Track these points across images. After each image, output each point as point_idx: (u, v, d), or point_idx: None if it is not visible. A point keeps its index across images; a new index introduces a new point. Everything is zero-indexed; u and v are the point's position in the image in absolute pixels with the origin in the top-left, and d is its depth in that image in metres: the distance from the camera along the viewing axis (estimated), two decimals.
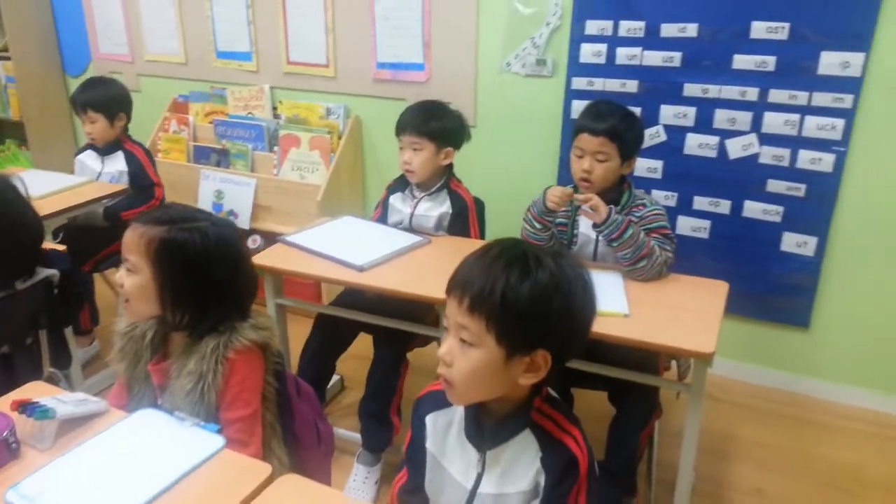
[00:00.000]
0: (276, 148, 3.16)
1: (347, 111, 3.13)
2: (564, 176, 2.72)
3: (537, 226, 1.98)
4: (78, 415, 1.37)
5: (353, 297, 2.19)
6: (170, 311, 1.39)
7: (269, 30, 3.22)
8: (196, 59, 3.48)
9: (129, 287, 1.38)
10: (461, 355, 1.06)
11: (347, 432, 2.26)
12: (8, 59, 3.73)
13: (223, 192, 3.15)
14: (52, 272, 1.95)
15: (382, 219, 2.36)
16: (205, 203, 3.18)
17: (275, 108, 3.29)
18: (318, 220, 2.89)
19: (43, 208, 1.95)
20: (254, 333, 1.42)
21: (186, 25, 3.44)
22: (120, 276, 1.41)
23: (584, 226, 1.99)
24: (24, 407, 1.32)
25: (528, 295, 1.01)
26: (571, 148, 1.97)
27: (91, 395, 1.42)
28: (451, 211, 2.22)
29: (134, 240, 1.38)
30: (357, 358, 2.29)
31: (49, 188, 2.59)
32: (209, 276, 1.39)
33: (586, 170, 1.91)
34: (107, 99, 2.76)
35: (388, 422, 2.12)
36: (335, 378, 2.57)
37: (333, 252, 2.06)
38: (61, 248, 2.18)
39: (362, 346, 2.25)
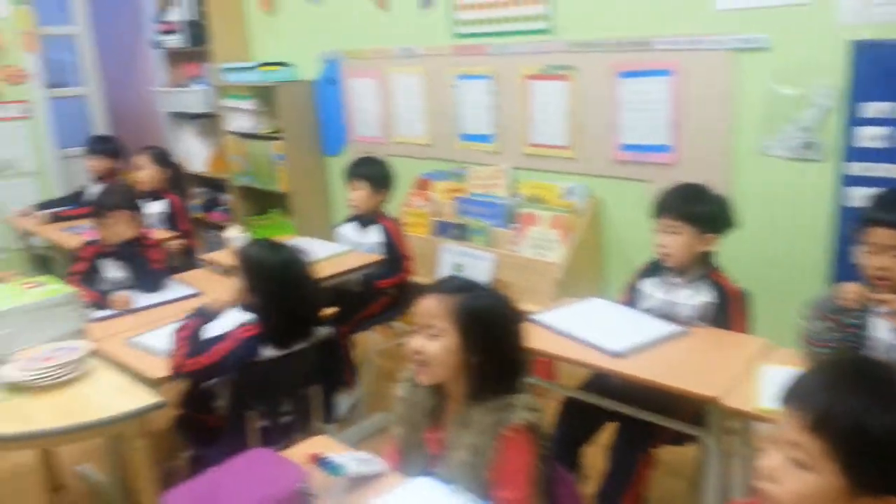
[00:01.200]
0: (514, 225, 3.27)
1: (588, 191, 3.17)
2: (841, 270, 2.48)
3: (825, 324, 1.80)
4: (364, 474, 1.46)
5: (599, 383, 2.14)
6: (464, 376, 1.45)
7: (511, 114, 3.40)
8: (440, 140, 3.76)
9: (433, 351, 1.44)
10: (791, 475, 0.94)
11: None
12: (280, 139, 4.31)
13: (462, 265, 3.31)
14: (329, 331, 2.16)
15: (631, 304, 2.31)
16: (444, 275, 3.35)
17: (513, 188, 3.43)
18: (555, 297, 2.94)
19: (318, 271, 2.16)
20: (527, 413, 1.43)
21: (433, 111, 3.75)
22: (416, 341, 1.48)
23: (884, 330, 1.77)
24: (320, 461, 1.44)
25: (892, 427, 0.89)
26: (859, 241, 1.79)
27: (375, 457, 1.52)
28: (712, 301, 2.11)
29: (436, 306, 1.45)
30: (601, 447, 2.22)
31: (317, 255, 2.88)
32: (502, 345, 1.45)
33: (883, 268, 1.73)
34: (374, 173, 3.07)
35: None
36: None
37: (586, 335, 2.04)
38: (332, 310, 2.42)
39: (607, 436, 2.18)
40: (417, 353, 1.46)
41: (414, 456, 1.55)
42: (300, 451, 1.56)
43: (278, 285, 1.98)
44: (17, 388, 1.90)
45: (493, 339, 1.43)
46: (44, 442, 2.10)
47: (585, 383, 2.24)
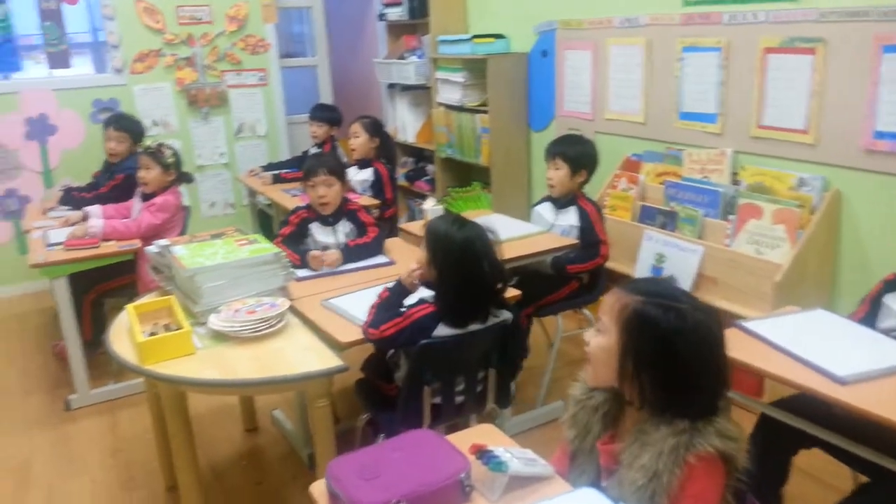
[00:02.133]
0: (731, 217, 2.95)
1: (826, 184, 2.75)
2: None
3: None
4: (526, 475, 1.38)
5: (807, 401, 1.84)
6: (627, 384, 1.32)
7: (741, 91, 3.04)
8: (656, 118, 3.49)
9: (593, 347, 1.37)
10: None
11: None
12: (485, 112, 4.29)
13: (665, 256, 3.06)
14: (508, 316, 2.09)
15: (867, 321, 1.96)
16: (644, 265, 3.14)
17: (734, 174, 3.09)
18: (773, 304, 2.60)
19: (503, 253, 2.10)
20: (719, 441, 1.25)
21: (651, 86, 3.48)
22: (588, 335, 1.39)
23: None
24: (483, 454, 1.39)
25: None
26: None
27: (539, 457, 1.43)
28: None
29: (610, 302, 1.36)
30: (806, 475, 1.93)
31: (509, 234, 2.83)
32: (676, 360, 1.28)
33: None
34: (577, 154, 2.93)
35: None
36: None
37: (804, 352, 1.76)
38: (516, 293, 2.35)
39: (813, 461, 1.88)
40: (586, 347, 1.37)
41: (583, 464, 1.44)
42: (467, 437, 1.52)
43: (457, 263, 1.95)
44: (220, 336, 2.09)
45: (669, 356, 1.27)
46: (239, 390, 2.30)
47: (790, 399, 1.95)
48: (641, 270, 3.14)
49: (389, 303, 2.07)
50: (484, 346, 2.08)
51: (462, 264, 1.95)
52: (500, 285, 2.07)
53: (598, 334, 1.37)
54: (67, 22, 4.53)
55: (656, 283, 1.43)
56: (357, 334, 2.09)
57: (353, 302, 2.29)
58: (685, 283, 2.93)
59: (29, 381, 3.44)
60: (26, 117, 4.46)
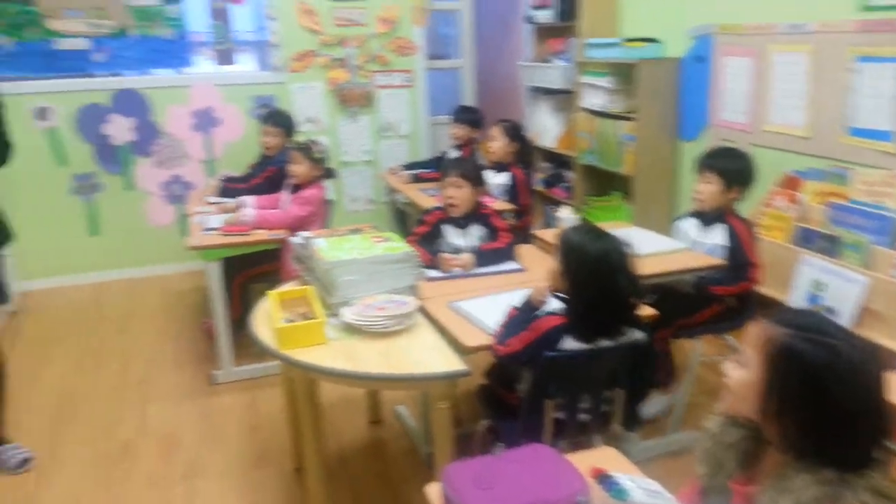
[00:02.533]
0: None
1: None
2: None
3: None
4: None
5: None
6: (770, 424, 1.21)
7: None
8: (821, 133, 3.22)
9: (734, 381, 1.26)
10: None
11: None
12: (631, 119, 4.15)
13: (824, 285, 2.81)
14: (641, 336, 2.00)
15: None
16: (799, 293, 2.90)
17: None
18: None
19: (640, 268, 2.01)
20: (871, 499, 1.12)
21: (818, 97, 3.21)
22: (729, 367, 1.30)
23: None
24: (604, 479, 1.34)
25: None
26: None
27: (665, 490, 1.35)
28: None
29: (755, 333, 1.25)
30: None
31: (648, 248, 2.72)
32: (826, 402, 1.15)
33: None
34: (731, 167, 2.76)
35: None
36: None
37: None
38: (651, 311, 2.25)
39: None
40: (726, 379, 1.27)
41: (713, 503, 1.34)
42: (588, 458, 1.47)
43: (591, 275, 1.90)
44: (351, 329, 2.16)
45: (817, 396, 1.14)
46: (365, 383, 2.37)
47: None
48: (796, 299, 2.91)
49: (517, 321, 2.05)
50: (612, 364, 2.01)
51: (596, 277, 1.89)
52: (633, 302, 1.99)
53: (740, 367, 1.27)
54: (235, 21, 4.90)
55: (809, 315, 1.30)
56: (482, 339, 2.09)
57: (481, 306, 2.29)
58: (845, 317, 2.68)
59: (181, 353, 3.75)
60: (194, 110, 4.87)
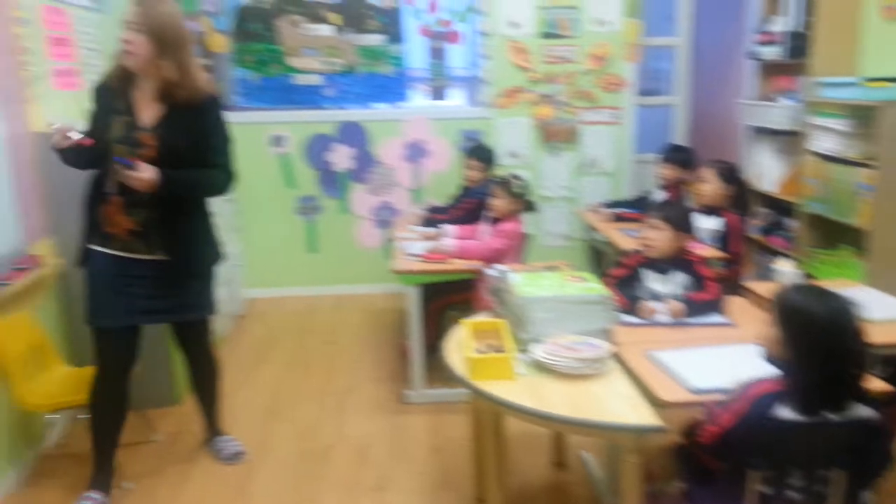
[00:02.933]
0: None
1: None
2: None
3: None
4: None
5: None
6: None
7: None
8: None
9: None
10: None
11: None
12: (871, 167, 3.72)
13: None
14: (870, 414, 1.77)
15: None
16: None
17: None
18: None
19: (871, 335, 1.77)
20: None
21: None
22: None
23: None
24: None
25: None
26: None
27: None
28: None
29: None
30: None
31: (883, 314, 2.41)
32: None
33: None
34: None
35: None
36: None
37: None
38: (883, 386, 1.98)
39: None
40: None
41: None
42: None
43: (817, 343, 1.70)
44: (540, 367, 2.15)
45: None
46: (551, 424, 2.32)
47: None
48: None
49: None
50: (833, 442, 1.79)
51: (823, 345, 1.70)
52: (862, 373, 1.76)
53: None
54: (449, 58, 5.17)
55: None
56: (681, 394, 1.97)
57: (682, 359, 2.16)
58: None
59: (378, 369, 3.98)
60: (407, 141, 5.19)
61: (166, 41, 2.42)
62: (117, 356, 2.63)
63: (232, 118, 4.96)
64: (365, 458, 3.07)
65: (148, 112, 2.51)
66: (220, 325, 4.35)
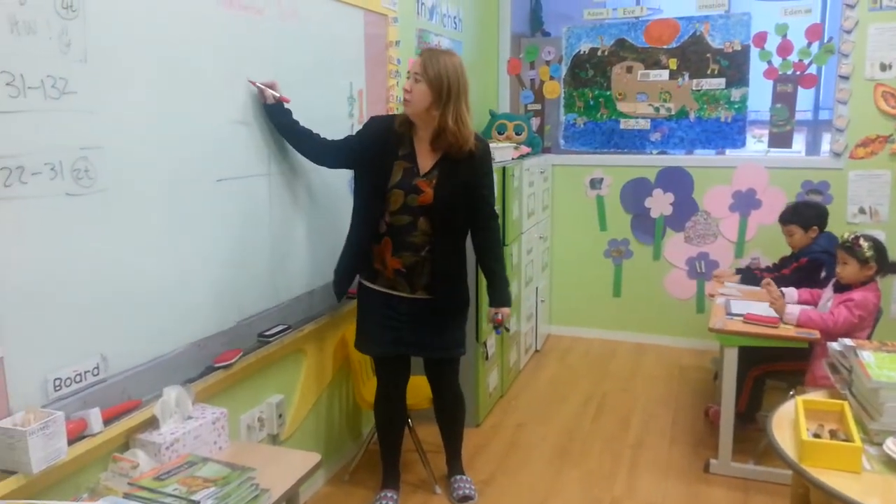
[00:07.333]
0: None
1: None
2: None
3: None
4: None
5: None
6: None
7: None
8: None
9: None
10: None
11: None
12: None
13: None
14: None
15: None
16: None
17: None
18: None
19: None
20: None
21: None
22: None
23: None
24: None
25: None
26: None
27: None
28: None
29: None
30: None
31: None
32: None
33: None
34: None
35: None
36: None
37: None
38: None
39: None
40: None
41: None
42: None
43: None
44: (891, 464, 1.87)
45: None
46: None
47: None
48: None
49: None
50: None
51: None
52: None
53: None
54: (796, 103, 4.78)
55: None
56: None
57: None
58: None
59: (677, 429, 3.80)
60: (735, 190, 4.92)
61: (445, 91, 2.59)
62: (389, 376, 2.95)
63: (553, 160, 5.32)
64: None
65: (424, 159, 2.73)
66: (518, 357, 4.57)
